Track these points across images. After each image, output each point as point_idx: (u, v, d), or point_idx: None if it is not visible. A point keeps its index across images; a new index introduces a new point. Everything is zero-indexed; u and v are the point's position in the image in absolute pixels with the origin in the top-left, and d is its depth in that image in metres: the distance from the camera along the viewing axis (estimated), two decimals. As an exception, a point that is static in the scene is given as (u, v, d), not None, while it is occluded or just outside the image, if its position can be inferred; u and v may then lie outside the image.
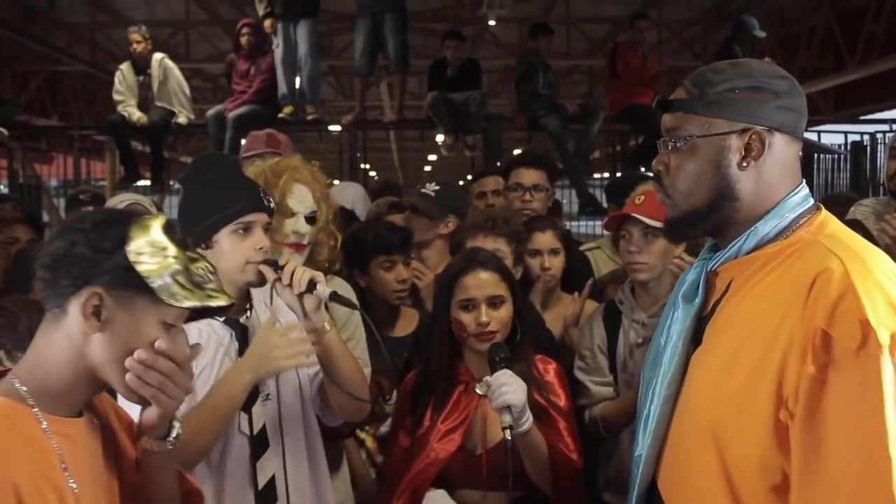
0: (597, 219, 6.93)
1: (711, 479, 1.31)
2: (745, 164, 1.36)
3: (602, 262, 3.55)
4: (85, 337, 1.29)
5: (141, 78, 6.91)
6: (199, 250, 1.93)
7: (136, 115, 6.86)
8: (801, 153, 1.43)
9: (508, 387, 1.98)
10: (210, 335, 1.96)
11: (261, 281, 1.96)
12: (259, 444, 1.95)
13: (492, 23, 8.87)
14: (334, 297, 1.90)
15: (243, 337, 2.00)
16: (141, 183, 7.89)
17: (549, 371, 2.30)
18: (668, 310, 1.49)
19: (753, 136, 1.35)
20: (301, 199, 2.38)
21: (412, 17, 7.59)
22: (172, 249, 1.32)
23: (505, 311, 2.21)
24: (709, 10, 10.26)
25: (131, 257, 1.28)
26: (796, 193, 1.38)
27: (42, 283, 1.31)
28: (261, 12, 6.71)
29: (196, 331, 1.91)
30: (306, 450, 2.05)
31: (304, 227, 2.37)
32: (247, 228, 1.95)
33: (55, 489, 1.24)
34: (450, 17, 10.51)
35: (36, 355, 1.32)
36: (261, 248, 1.95)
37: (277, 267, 1.93)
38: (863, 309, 1.18)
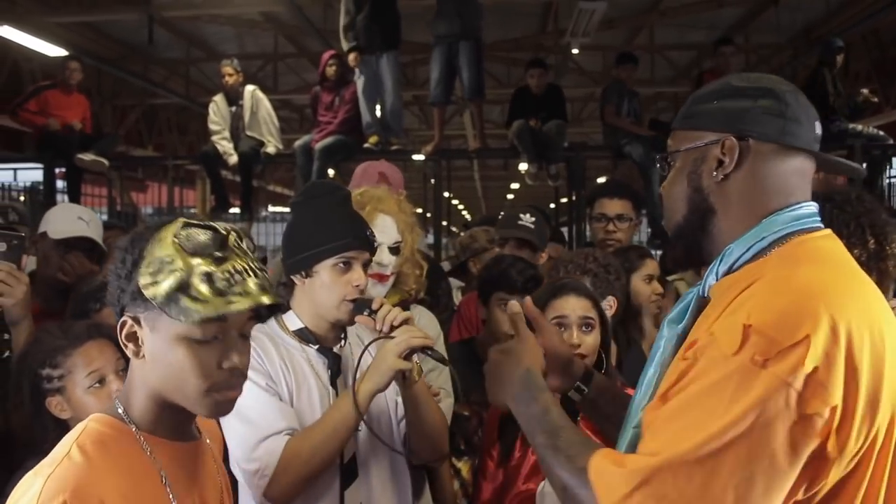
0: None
1: None
2: (716, 175, 1.27)
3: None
4: (140, 364, 1.31)
5: (233, 109, 7.13)
6: (298, 277, 1.99)
7: (230, 151, 7.05)
8: (811, 168, 1.30)
9: None
10: (305, 361, 2.00)
11: (350, 320, 1.99)
12: (349, 473, 1.97)
13: (575, 51, 8.87)
14: (427, 351, 1.91)
15: (336, 366, 2.03)
16: (231, 211, 8.10)
17: None
18: (659, 334, 1.42)
19: (726, 145, 1.26)
20: (384, 229, 2.37)
21: (494, 46, 7.65)
22: (179, 260, 1.25)
23: (594, 338, 2.18)
24: (798, 33, 10.02)
25: (141, 280, 1.26)
26: (790, 211, 1.25)
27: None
28: (346, 47, 6.85)
29: (296, 357, 1.99)
30: (391, 480, 2.06)
31: (388, 259, 2.37)
32: (347, 264, 1.97)
33: (154, 502, 1.27)
34: (532, 46, 10.56)
35: (127, 379, 1.36)
36: (357, 286, 1.96)
37: (371, 310, 1.94)
38: (750, 315, 1.10)
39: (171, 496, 1.29)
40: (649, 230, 6.97)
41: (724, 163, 1.26)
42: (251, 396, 1.85)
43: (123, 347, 1.30)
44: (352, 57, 6.78)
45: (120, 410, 1.32)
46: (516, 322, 1.57)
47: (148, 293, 1.24)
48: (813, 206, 1.27)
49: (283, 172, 13.94)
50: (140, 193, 13.20)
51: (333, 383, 2.01)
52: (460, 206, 24.77)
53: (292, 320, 2.05)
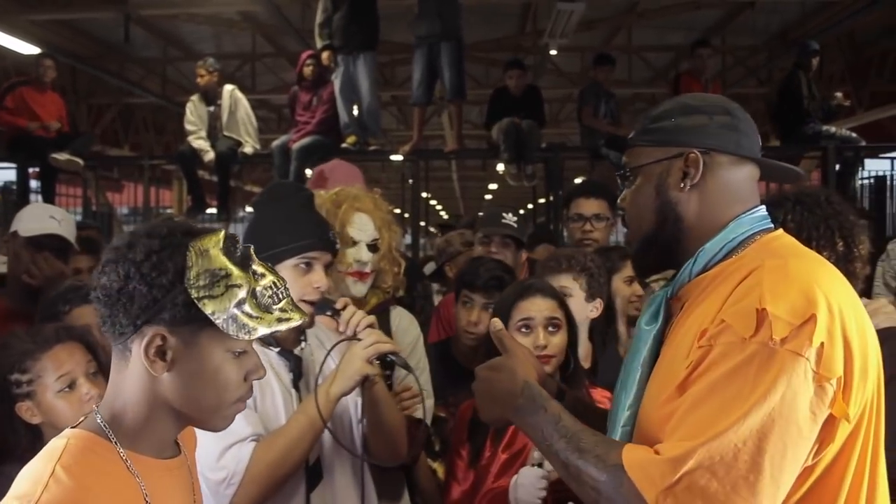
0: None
1: None
2: (683, 186, 1.38)
3: None
4: (152, 376, 1.21)
5: (211, 108, 7.08)
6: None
7: (206, 149, 7.00)
8: (758, 175, 1.43)
9: (543, 491, 1.96)
10: (266, 363, 1.97)
11: (310, 323, 1.95)
12: (314, 475, 1.95)
13: (553, 52, 8.89)
14: (393, 357, 1.91)
15: (297, 368, 2.00)
16: (208, 211, 8.06)
17: (605, 402, 2.27)
18: (634, 339, 1.50)
19: (690, 158, 1.37)
20: (362, 227, 2.38)
21: (473, 47, 7.66)
22: (235, 274, 1.20)
23: (561, 338, 2.19)
24: (774, 36, 10.10)
25: (192, 293, 1.17)
26: (750, 214, 1.38)
27: (101, 318, 1.22)
28: (319, 45, 6.83)
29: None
30: (355, 482, 2.05)
31: (367, 256, 2.38)
32: (308, 265, 1.95)
33: None
34: (511, 47, 10.57)
35: (114, 393, 1.25)
36: (318, 287, 1.94)
37: (334, 311, 1.94)
38: (763, 298, 1.19)
39: None
40: (626, 230, 6.99)
41: (690, 174, 1.38)
42: None
43: (147, 364, 1.19)
44: (325, 55, 6.75)
45: (101, 423, 1.22)
46: (502, 338, 1.59)
47: (206, 308, 1.17)
48: (764, 209, 1.40)
49: (261, 173, 13.88)
50: (116, 193, 13.08)
51: (296, 386, 1.99)
52: (438, 207, 24.77)
53: None
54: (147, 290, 1.18)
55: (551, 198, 7.48)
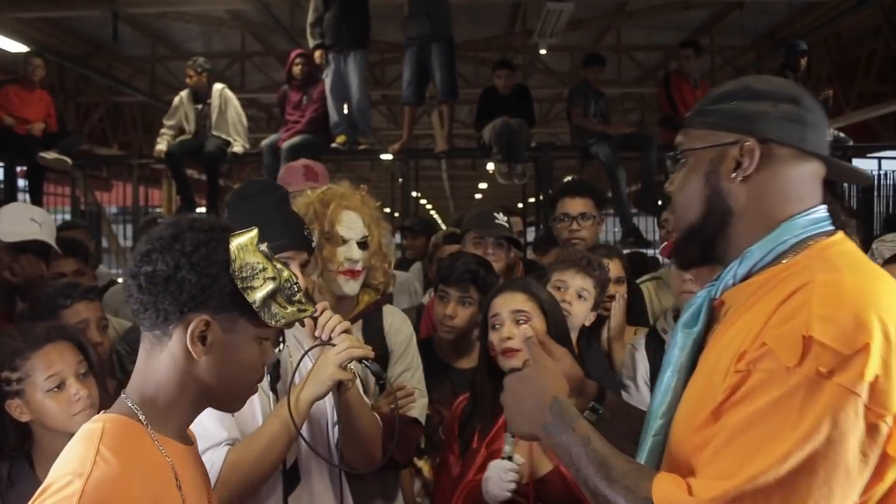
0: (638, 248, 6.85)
1: None
2: (734, 176, 1.27)
3: (664, 295, 3.48)
4: (190, 359, 1.29)
5: (199, 106, 7.06)
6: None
7: (161, 145, 7.07)
8: (823, 173, 1.31)
9: (512, 484, 1.98)
10: None
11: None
12: (291, 478, 1.94)
13: (543, 51, 8.90)
14: (366, 362, 1.90)
15: (276, 370, 1.97)
16: (198, 210, 8.03)
17: None
18: (670, 339, 1.42)
19: (745, 146, 1.26)
20: (351, 225, 2.38)
21: (463, 46, 7.66)
22: (269, 268, 1.32)
23: (530, 330, 2.18)
24: (761, 36, 10.15)
25: (238, 283, 1.28)
26: (807, 215, 1.26)
27: (139, 305, 1.28)
28: (311, 44, 6.82)
29: None
30: (333, 484, 2.03)
31: (357, 254, 2.38)
32: (283, 265, 1.92)
33: None
34: (500, 46, 10.58)
35: (143, 378, 1.32)
36: None
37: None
38: (810, 323, 1.08)
39: (182, 499, 1.28)
40: (619, 229, 7.02)
41: (744, 164, 1.26)
42: None
43: (190, 346, 1.27)
44: (317, 54, 6.75)
45: (132, 407, 1.29)
46: (531, 348, 1.53)
47: (249, 296, 1.28)
48: (825, 210, 1.28)
49: (250, 172, 13.83)
50: (105, 193, 13.02)
51: (273, 388, 1.96)
52: (428, 206, 24.76)
53: None
54: (197, 279, 1.26)
55: (541, 197, 7.49)
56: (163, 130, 7.17)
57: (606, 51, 9.45)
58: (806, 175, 1.28)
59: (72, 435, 1.28)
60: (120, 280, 4.72)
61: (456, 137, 7.76)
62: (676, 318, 2.61)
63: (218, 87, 7.12)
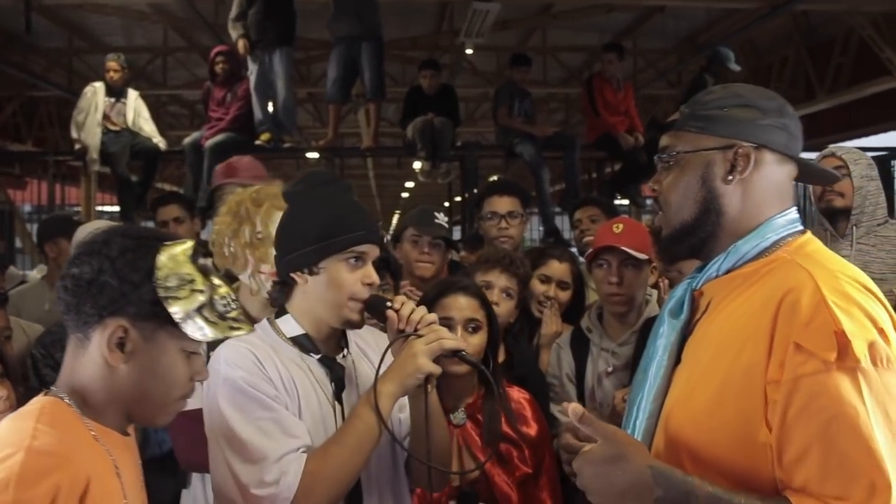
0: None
1: None
2: (730, 179, 1.37)
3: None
4: (109, 366, 1.28)
5: (112, 100, 6.87)
6: (299, 274, 1.77)
7: (76, 138, 6.90)
8: (795, 176, 1.44)
9: None
10: (307, 372, 1.80)
11: (360, 322, 1.79)
12: (353, 498, 1.78)
13: (469, 51, 8.96)
14: (460, 354, 1.75)
15: (340, 378, 1.83)
16: (108, 209, 7.80)
17: (522, 402, 2.31)
18: (656, 327, 1.50)
19: (739, 152, 1.37)
20: None
21: (390, 44, 7.65)
22: (199, 281, 1.30)
23: (480, 339, 2.22)
24: (683, 40, 10.41)
25: (160, 292, 1.26)
26: (784, 216, 1.39)
27: (64, 306, 1.29)
28: (234, 36, 6.71)
29: (296, 367, 1.78)
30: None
31: None
32: (359, 259, 1.77)
33: (113, 494, 1.26)
34: (427, 45, 10.59)
35: (69, 374, 1.31)
36: (370, 283, 1.77)
37: (387, 307, 1.77)
38: (837, 321, 1.19)
39: (122, 488, 1.28)
40: (541, 228, 7.11)
41: (738, 167, 1.37)
42: (259, 409, 1.67)
43: (107, 354, 1.27)
44: (241, 44, 6.61)
45: (62, 397, 1.29)
46: (591, 423, 1.32)
47: (169, 307, 1.26)
48: (796, 211, 1.41)
49: (173, 170, 13.55)
50: (18, 190, 12.58)
51: (339, 397, 1.81)
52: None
53: (290, 325, 1.81)
54: (118, 284, 1.26)
55: (467, 196, 7.54)
56: (76, 126, 6.89)
57: (532, 51, 9.54)
58: (785, 178, 1.41)
59: None
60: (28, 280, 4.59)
61: (382, 136, 7.76)
62: (600, 316, 2.68)
63: (133, 93, 7.00)
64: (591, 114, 7.36)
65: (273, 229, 2.27)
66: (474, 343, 2.20)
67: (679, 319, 1.41)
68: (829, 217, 3.15)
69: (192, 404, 2.18)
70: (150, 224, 4.81)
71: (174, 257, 1.30)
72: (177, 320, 1.27)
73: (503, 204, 3.47)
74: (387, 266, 2.78)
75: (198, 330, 1.29)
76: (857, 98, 8.87)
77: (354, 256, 1.76)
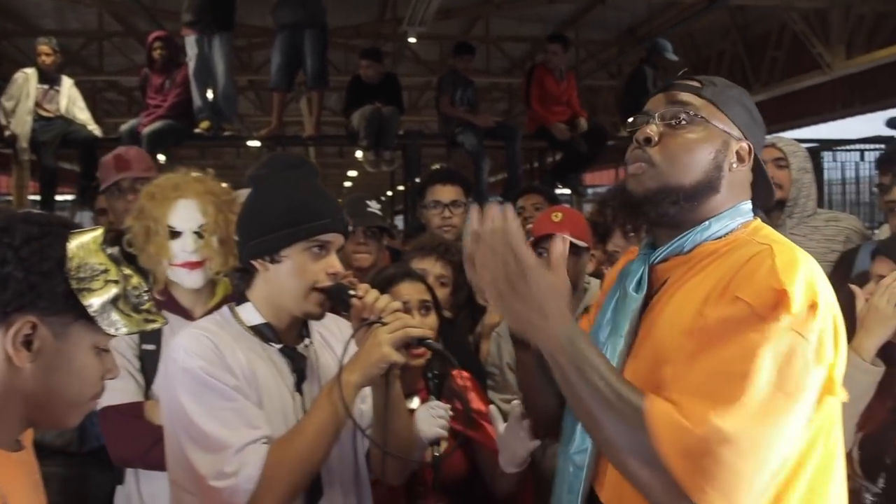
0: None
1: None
2: (733, 166, 1.45)
3: None
4: (13, 366, 1.15)
5: (45, 87, 6.69)
6: (260, 262, 1.73)
7: (4, 124, 6.72)
8: None
9: (444, 420, 2.00)
10: (267, 362, 1.77)
11: (321, 313, 1.77)
12: (313, 491, 1.76)
13: (412, 40, 8.93)
14: (426, 342, 1.73)
15: (301, 369, 1.81)
16: (59, 198, 7.59)
17: (465, 381, 2.35)
18: (607, 302, 1.52)
19: (745, 147, 1.47)
20: (186, 215, 2.28)
21: (332, 33, 7.58)
22: (113, 271, 1.20)
23: (432, 320, 2.26)
24: (624, 32, 10.55)
25: (73, 284, 1.15)
26: (747, 203, 1.49)
27: None
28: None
29: (256, 357, 1.75)
30: (357, 497, 1.87)
31: (193, 244, 2.28)
32: (322, 247, 1.74)
33: None
34: (371, 34, 10.53)
35: None
36: (332, 273, 1.74)
37: (352, 297, 1.74)
38: (781, 281, 1.25)
39: None
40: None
41: (742, 160, 1.47)
42: (219, 399, 1.63)
43: (13, 353, 1.14)
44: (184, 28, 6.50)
45: None
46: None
47: (84, 300, 1.16)
48: (750, 201, 1.51)
49: (110, 157, 13.23)
50: (-54, 177, 12.18)
51: (300, 389, 1.78)
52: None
53: (250, 314, 1.78)
54: (23, 276, 1.14)
55: (410, 185, 7.54)
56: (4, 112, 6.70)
57: (475, 41, 9.57)
58: (749, 172, 1.51)
59: None
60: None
61: (325, 125, 7.70)
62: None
63: (68, 81, 6.81)
64: (528, 102, 7.43)
65: (172, 221, 2.24)
66: (429, 324, 2.24)
67: (639, 296, 1.44)
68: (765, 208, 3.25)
69: (120, 398, 2.18)
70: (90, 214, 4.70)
71: (84, 246, 1.19)
72: (92, 314, 1.17)
73: (446, 193, 3.48)
74: None
75: (112, 324, 1.19)
76: (790, 91, 9.12)
77: (318, 245, 1.73)
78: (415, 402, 2.07)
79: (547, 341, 1.29)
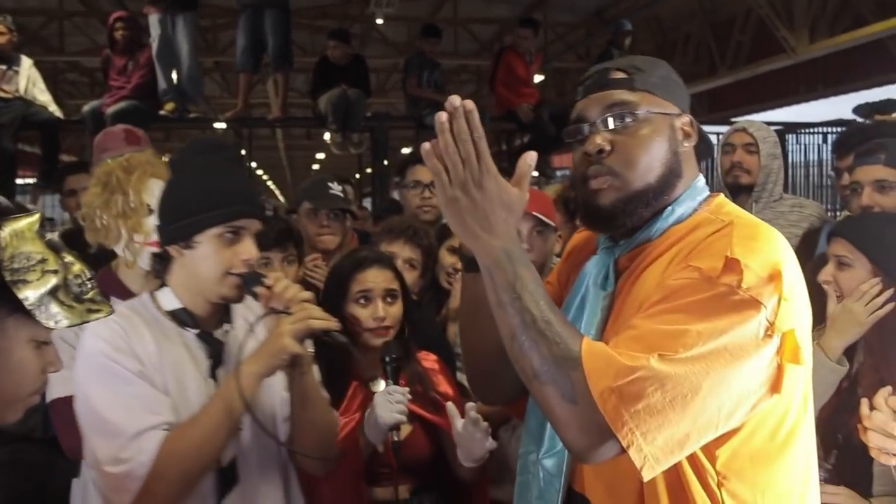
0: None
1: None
2: (686, 145, 1.41)
3: None
4: None
5: (3, 67, 6.55)
6: (175, 248, 1.72)
7: None
8: None
9: (402, 405, 1.99)
10: (183, 347, 1.76)
11: (237, 297, 1.74)
12: (228, 478, 1.73)
13: (379, 21, 8.88)
14: (328, 335, 1.72)
15: (218, 354, 1.78)
16: (19, 182, 7.44)
17: (432, 363, 2.35)
18: (570, 301, 1.47)
19: (686, 120, 1.42)
20: (156, 193, 2.21)
21: (299, 13, 7.52)
22: (52, 260, 1.13)
23: (398, 309, 2.25)
24: (591, 14, 10.56)
25: (6, 275, 1.09)
26: (700, 180, 1.44)
27: None
28: None
29: (171, 343, 1.73)
30: (277, 486, 1.83)
31: None
32: (235, 233, 1.71)
33: None
34: (338, 15, 10.43)
35: None
36: (246, 259, 1.71)
37: (263, 285, 1.72)
38: (733, 250, 1.23)
39: None
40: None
41: (690, 136, 1.42)
42: (119, 384, 1.62)
43: None
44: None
45: None
46: (527, 176, 1.34)
47: (19, 292, 1.09)
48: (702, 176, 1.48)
49: (73, 140, 13.03)
50: None
51: (214, 374, 1.76)
52: (265, 177, 24.21)
53: (168, 299, 1.77)
54: None
55: (377, 167, 7.51)
56: None
57: (443, 22, 9.52)
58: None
59: None
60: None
61: (292, 107, 7.64)
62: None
63: (28, 61, 6.64)
64: (496, 85, 7.42)
65: (146, 198, 2.17)
66: (394, 313, 2.23)
67: (607, 291, 1.40)
68: (732, 192, 3.27)
69: (70, 390, 2.14)
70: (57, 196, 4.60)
71: (19, 233, 1.11)
72: (28, 307, 1.10)
73: (427, 173, 3.44)
74: (289, 237, 2.75)
75: (51, 317, 1.11)
76: (756, 74, 9.20)
77: (231, 231, 1.71)
78: (380, 385, 2.06)
79: (485, 255, 1.23)
